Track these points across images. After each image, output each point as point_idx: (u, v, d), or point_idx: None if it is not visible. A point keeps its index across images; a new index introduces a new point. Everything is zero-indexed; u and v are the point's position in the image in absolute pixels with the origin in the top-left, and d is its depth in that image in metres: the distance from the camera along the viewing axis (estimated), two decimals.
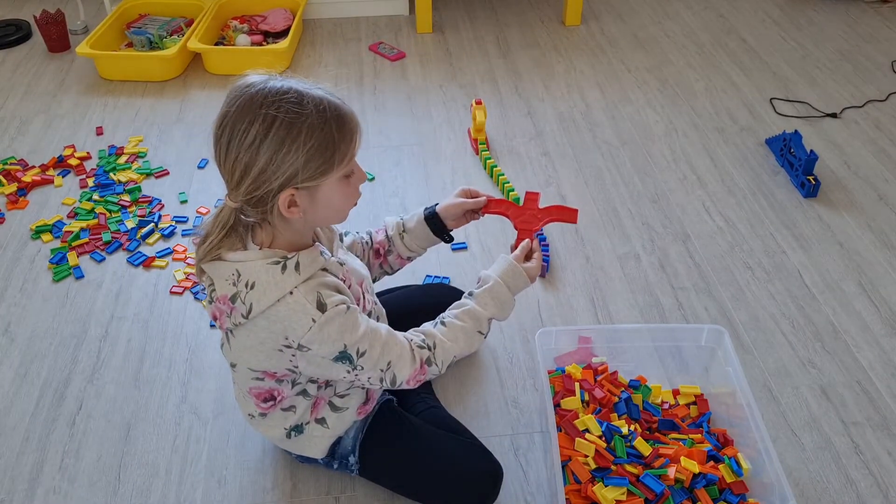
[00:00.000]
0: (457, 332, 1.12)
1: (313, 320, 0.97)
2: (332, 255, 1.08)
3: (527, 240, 1.21)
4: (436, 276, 1.68)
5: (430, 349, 1.10)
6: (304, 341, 0.98)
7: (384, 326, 1.08)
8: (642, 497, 1.16)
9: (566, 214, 1.28)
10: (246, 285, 0.96)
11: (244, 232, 1.00)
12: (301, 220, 0.98)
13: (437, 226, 1.26)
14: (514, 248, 1.24)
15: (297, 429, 1.18)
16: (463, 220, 1.28)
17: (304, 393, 1.13)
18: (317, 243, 1.05)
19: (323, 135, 0.92)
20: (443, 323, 1.14)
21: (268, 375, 1.07)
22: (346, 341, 1.00)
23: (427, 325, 1.15)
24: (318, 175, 0.94)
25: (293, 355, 1.01)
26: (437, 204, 1.27)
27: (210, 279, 1.02)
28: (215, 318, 1.03)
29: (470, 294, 1.16)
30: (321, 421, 1.17)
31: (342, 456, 1.22)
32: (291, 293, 0.97)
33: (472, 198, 1.26)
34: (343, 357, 1.01)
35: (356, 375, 1.04)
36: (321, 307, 0.97)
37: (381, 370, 1.05)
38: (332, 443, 1.20)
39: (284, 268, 0.97)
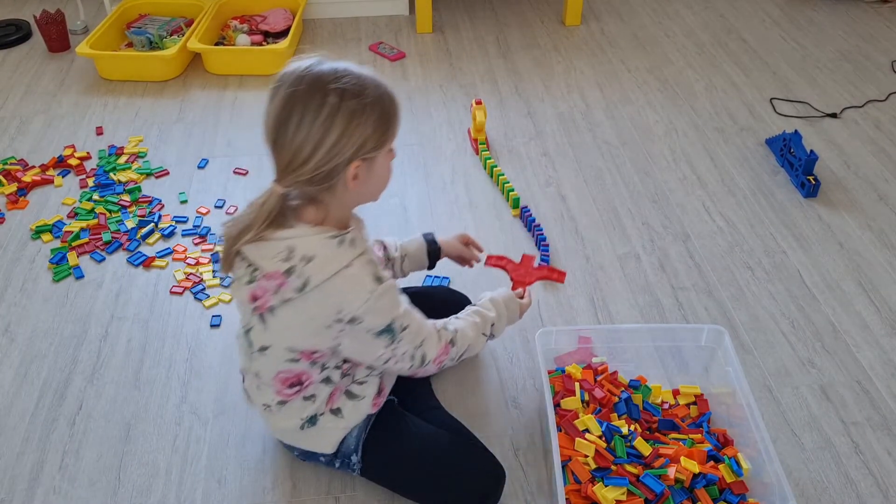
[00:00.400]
0: (469, 327, 1.21)
1: (370, 292, 1.01)
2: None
3: (521, 289, 1.37)
4: (436, 277, 1.68)
5: (451, 332, 1.17)
6: (358, 313, 1.00)
7: (421, 318, 1.14)
8: (642, 497, 1.16)
9: (556, 274, 1.47)
10: (303, 259, 0.99)
11: (290, 216, 1.03)
12: (355, 194, 1.03)
13: (434, 256, 1.40)
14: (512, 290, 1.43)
15: (312, 420, 1.17)
16: (455, 260, 1.42)
17: (326, 380, 1.13)
18: (354, 226, 1.09)
19: (381, 107, 0.99)
20: (455, 318, 1.22)
21: (304, 356, 1.07)
22: (393, 315, 1.05)
23: (441, 320, 1.21)
24: (380, 145, 1.00)
25: (341, 331, 1.02)
26: (432, 234, 1.39)
27: (249, 262, 1.03)
28: (255, 298, 1.03)
29: (480, 300, 1.28)
30: (336, 412, 1.17)
31: (344, 455, 1.22)
32: (348, 266, 1.00)
33: (472, 247, 1.44)
34: (388, 331, 1.05)
35: (392, 351, 1.07)
36: (378, 280, 1.02)
37: (415, 347, 1.10)
38: (342, 437, 1.20)
39: (342, 242, 1.01)
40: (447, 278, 1.68)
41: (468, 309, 1.25)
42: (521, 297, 1.34)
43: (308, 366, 1.10)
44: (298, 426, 1.17)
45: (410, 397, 1.34)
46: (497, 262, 1.49)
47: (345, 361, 1.13)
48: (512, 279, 1.47)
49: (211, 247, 1.78)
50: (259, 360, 1.11)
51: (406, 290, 1.49)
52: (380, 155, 1.02)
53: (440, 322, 1.18)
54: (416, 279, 1.67)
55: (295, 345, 1.06)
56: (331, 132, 0.95)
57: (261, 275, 1.02)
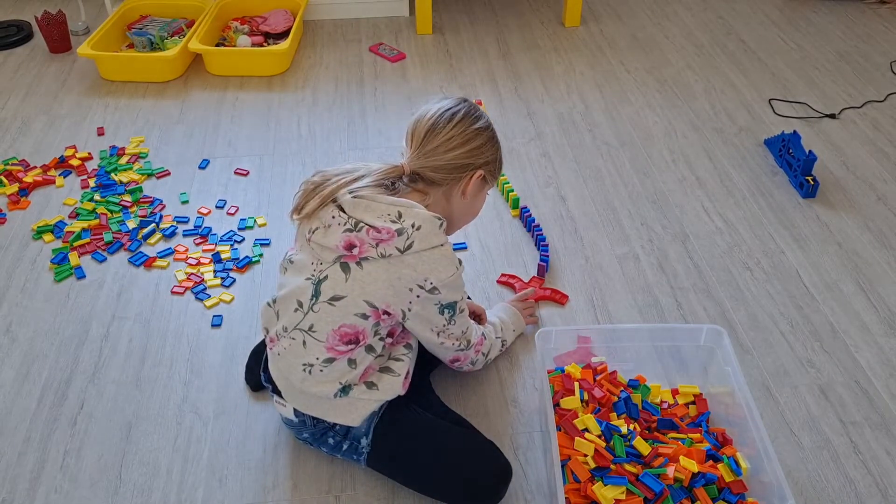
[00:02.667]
0: (487, 332, 1.40)
1: (456, 268, 1.16)
2: None
3: (527, 290, 1.61)
4: None
5: (480, 328, 1.36)
6: (441, 284, 1.14)
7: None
8: (641, 496, 1.16)
9: (558, 296, 1.64)
10: (412, 226, 1.12)
11: (395, 192, 1.19)
12: (453, 207, 1.24)
13: None
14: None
15: (345, 390, 1.18)
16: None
17: (370, 349, 1.18)
18: None
19: (501, 153, 1.27)
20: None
21: (375, 314, 1.14)
22: (461, 295, 1.20)
23: None
24: (495, 174, 1.26)
25: (418, 296, 1.14)
26: None
27: (348, 214, 1.12)
28: (351, 247, 1.12)
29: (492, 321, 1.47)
30: (370, 385, 1.20)
31: (354, 437, 1.23)
32: (444, 245, 1.15)
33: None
34: (451, 307, 1.19)
35: (446, 328, 1.21)
36: (460, 262, 1.18)
37: (463, 331, 1.25)
38: (371, 410, 1.21)
39: (442, 225, 1.15)
40: None
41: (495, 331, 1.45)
42: (527, 308, 1.56)
43: (372, 325, 1.15)
44: (332, 393, 1.18)
45: (411, 397, 1.34)
46: (508, 280, 1.68)
47: (388, 335, 1.20)
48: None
49: (212, 247, 1.78)
50: (323, 311, 1.14)
51: None
52: (489, 184, 1.27)
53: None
54: None
55: (374, 300, 1.13)
56: (478, 138, 1.19)
57: (368, 228, 1.11)
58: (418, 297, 1.14)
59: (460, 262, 1.18)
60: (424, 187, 1.20)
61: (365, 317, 1.14)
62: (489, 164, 1.22)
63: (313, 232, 1.15)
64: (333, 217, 1.13)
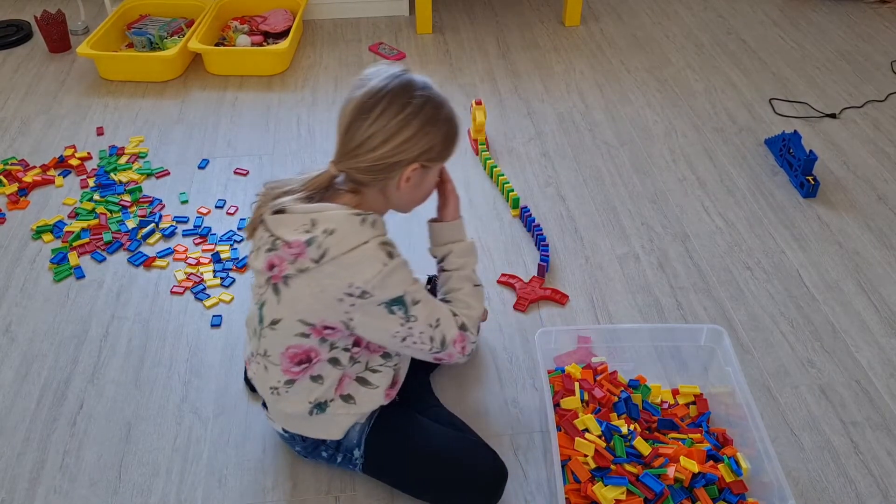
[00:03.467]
0: (466, 299, 1.20)
1: (384, 265, 1.04)
2: None
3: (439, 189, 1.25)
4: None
5: (458, 317, 1.17)
6: (369, 287, 1.03)
7: (435, 300, 1.15)
8: (642, 496, 1.16)
9: (558, 296, 1.62)
10: (324, 231, 1.03)
11: (326, 198, 1.09)
12: (397, 197, 1.11)
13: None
14: (516, 306, 1.61)
15: (321, 406, 1.17)
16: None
17: (334, 361, 1.13)
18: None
19: (451, 125, 1.09)
20: (447, 301, 1.20)
21: (315, 331, 1.08)
22: (405, 288, 1.07)
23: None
24: (439, 158, 1.09)
25: (352, 305, 1.04)
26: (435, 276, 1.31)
27: (270, 232, 1.07)
28: (272, 266, 1.07)
29: (442, 270, 1.24)
30: (347, 398, 1.17)
31: (347, 449, 1.22)
32: (367, 242, 1.04)
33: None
34: (399, 302, 1.06)
35: (409, 329, 1.08)
36: (390, 255, 1.06)
37: (431, 326, 1.10)
38: (352, 423, 1.19)
39: (363, 221, 1.05)
40: None
41: (446, 282, 1.22)
42: (444, 200, 1.24)
43: (318, 342, 1.10)
44: (307, 411, 1.17)
45: (411, 396, 1.34)
46: (508, 280, 1.67)
47: (355, 345, 1.13)
48: (518, 295, 1.63)
49: (211, 247, 1.78)
50: (269, 335, 1.11)
51: None
52: (434, 168, 1.11)
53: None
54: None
55: (306, 317, 1.07)
56: (406, 129, 1.03)
57: (282, 244, 1.05)
58: (353, 305, 1.05)
59: (392, 254, 1.06)
60: (355, 187, 1.10)
61: (305, 335, 1.09)
62: (427, 153, 1.06)
63: (249, 255, 1.13)
64: (261, 237, 1.09)
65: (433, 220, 1.24)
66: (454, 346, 1.14)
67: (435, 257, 1.24)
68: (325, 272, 1.03)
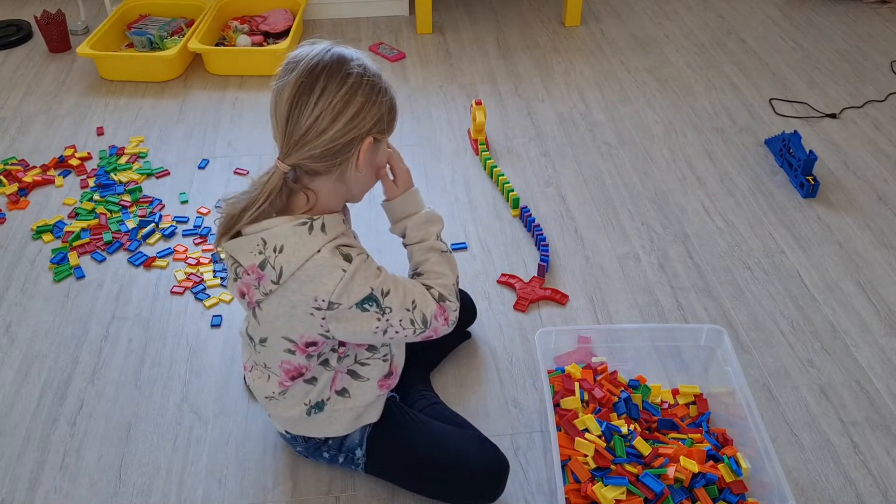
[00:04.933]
0: (435, 268, 1.14)
1: (343, 270, 1.00)
2: (348, 225, 1.12)
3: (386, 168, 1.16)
4: None
5: (435, 290, 1.12)
6: (334, 297, 0.99)
7: (404, 281, 1.10)
8: (642, 496, 1.16)
9: (558, 296, 1.62)
10: (274, 250, 0.99)
11: (283, 201, 1.03)
12: (353, 181, 1.04)
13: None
14: (516, 306, 1.60)
15: (319, 406, 1.16)
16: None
17: (325, 363, 1.12)
18: (339, 213, 1.08)
19: (391, 93, 1.02)
20: (418, 274, 1.15)
21: (299, 349, 1.06)
22: (371, 285, 1.03)
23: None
24: (388, 129, 1.03)
25: (323, 318, 1.01)
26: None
27: (231, 258, 1.04)
28: (243, 295, 1.04)
29: (406, 246, 1.18)
30: (342, 392, 1.16)
31: (349, 450, 1.22)
32: (319, 251, 1.00)
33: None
34: (370, 300, 1.02)
35: (387, 321, 1.04)
36: (347, 258, 1.01)
37: (408, 310, 1.06)
38: (355, 416, 1.18)
39: (311, 228, 1.00)
40: None
41: (412, 257, 1.17)
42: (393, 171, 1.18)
43: (304, 358, 1.09)
44: (305, 412, 1.16)
45: (411, 395, 1.34)
46: (508, 280, 1.67)
47: (341, 345, 1.11)
48: (518, 295, 1.63)
49: (211, 247, 1.78)
50: (262, 352, 1.11)
51: None
52: (384, 140, 1.04)
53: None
54: None
55: (287, 334, 1.05)
56: (353, 102, 0.97)
57: (242, 270, 1.02)
58: (324, 318, 1.01)
59: (349, 256, 1.01)
60: (310, 181, 1.03)
61: (291, 352, 1.08)
62: (378, 124, 1.00)
63: (227, 283, 1.11)
64: (227, 264, 1.08)
65: (386, 201, 1.17)
66: (436, 320, 1.10)
67: (397, 236, 1.19)
68: (289, 290, 1.00)
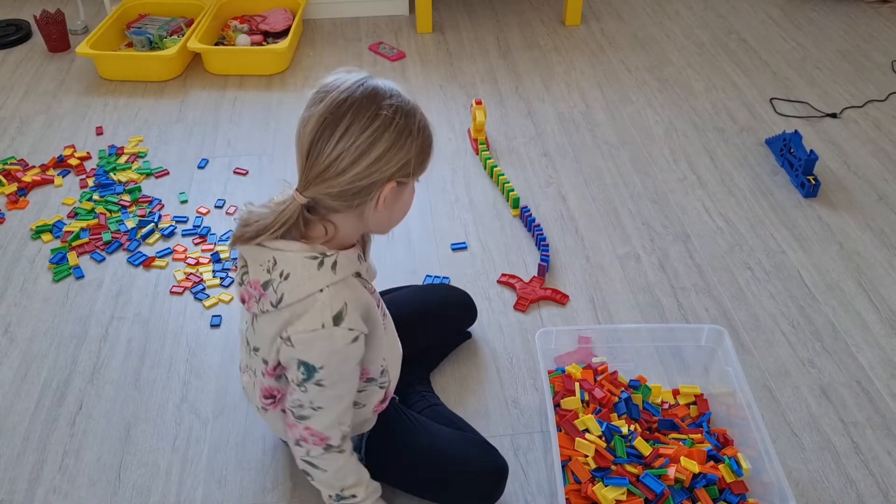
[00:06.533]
0: (344, 472, 1.09)
1: (322, 325, 0.96)
2: (367, 259, 1.09)
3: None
4: (436, 276, 1.68)
5: (341, 446, 1.07)
6: (296, 338, 0.96)
7: (349, 401, 1.05)
8: (642, 497, 1.16)
9: (558, 296, 1.62)
10: (280, 275, 0.97)
11: (301, 228, 0.99)
12: (374, 220, 1.00)
13: None
14: (516, 306, 1.59)
15: None
16: None
17: None
18: (355, 245, 1.04)
19: (426, 134, 0.97)
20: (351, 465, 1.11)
21: (269, 372, 1.06)
22: (324, 363, 0.98)
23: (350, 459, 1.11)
24: (416, 172, 0.98)
25: (279, 349, 1.00)
26: None
27: (244, 260, 1.02)
28: (244, 301, 1.03)
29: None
30: None
31: None
32: (322, 290, 0.97)
33: None
34: (307, 368, 0.98)
35: (293, 385, 1.01)
36: (337, 320, 0.96)
37: (310, 403, 1.01)
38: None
39: (321, 264, 0.97)
40: (447, 278, 1.68)
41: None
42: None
43: (274, 381, 1.07)
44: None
45: (410, 396, 1.34)
46: (508, 280, 1.66)
47: None
48: (518, 295, 1.63)
49: (211, 247, 1.78)
50: (255, 358, 1.10)
51: (405, 289, 1.50)
52: (411, 183, 1.00)
53: (347, 442, 1.09)
54: (417, 279, 1.68)
55: (268, 358, 1.04)
56: (377, 145, 0.91)
57: (248, 279, 1.01)
58: (279, 349, 1.00)
59: (339, 318, 0.96)
60: (328, 213, 0.98)
61: (264, 373, 1.07)
62: (403, 169, 0.95)
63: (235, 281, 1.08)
64: (239, 264, 1.05)
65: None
66: (306, 430, 1.04)
67: None
68: (283, 317, 0.98)
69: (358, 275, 1.03)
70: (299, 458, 1.09)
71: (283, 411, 1.10)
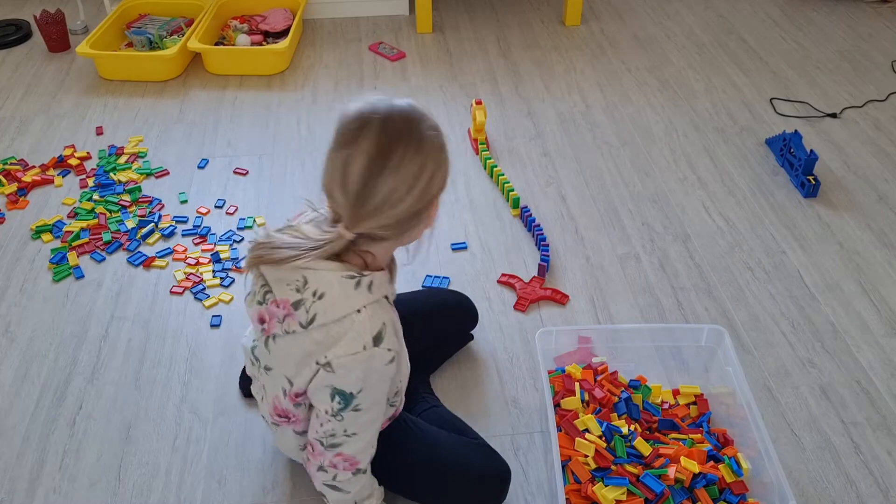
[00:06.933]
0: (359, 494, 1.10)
1: (364, 347, 0.95)
2: (394, 282, 1.08)
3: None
4: (436, 277, 1.68)
5: (363, 470, 1.08)
6: (336, 363, 0.95)
7: (379, 423, 1.06)
8: (642, 497, 1.16)
9: (558, 296, 1.62)
10: (314, 294, 0.94)
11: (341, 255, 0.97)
12: (418, 234, 1.01)
13: None
14: (516, 306, 1.59)
15: None
16: None
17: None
18: (384, 270, 1.03)
19: (447, 149, 0.97)
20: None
21: (289, 395, 1.03)
22: (362, 386, 0.97)
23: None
24: (446, 184, 0.99)
25: (315, 373, 0.98)
26: None
27: (264, 279, 0.99)
28: (262, 321, 1.00)
29: None
30: None
31: None
32: (359, 311, 0.95)
33: None
34: (343, 397, 0.97)
35: (327, 417, 0.99)
36: (377, 341, 0.96)
37: (344, 430, 1.01)
38: None
39: (358, 284, 0.95)
40: (447, 278, 1.68)
41: None
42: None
43: (293, 406, 1.05)
44: (299, 447, 1.15)
45: (412, 396, 1.34)
46: (508, 280, 1.66)
47: None
48: (518, 295, 1.63)
49: (211, 247, 1.78)
50: (263, 377, 1.09)
51: (407, 294, 1.49)
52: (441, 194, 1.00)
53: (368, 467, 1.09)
54: (417, 279, 1.67)
55: (289, 374, 1.02)
56: (427, 168, 0.92)
57: (272, 299, 0.98)
58: (315, 374, 0.97)
59: (379, 338, 0.95)
60: (369, 245, 0.97)
61: (284, 393, 1.04)
62: (444, 183, 0.97)
63: (246, 298, 1.06)
64: (255, 284, 1.02)
65: None
66: (337, 457, 1.03)
67: None
68: (312, 338, 0.96)
69: (386, 297, 1.02)
70: (320, 483, 1.08)
71: (307, 443, 1.07)
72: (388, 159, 0.89)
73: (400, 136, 0.90)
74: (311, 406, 1.06)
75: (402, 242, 1.01)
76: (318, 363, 0.97)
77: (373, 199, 0.90)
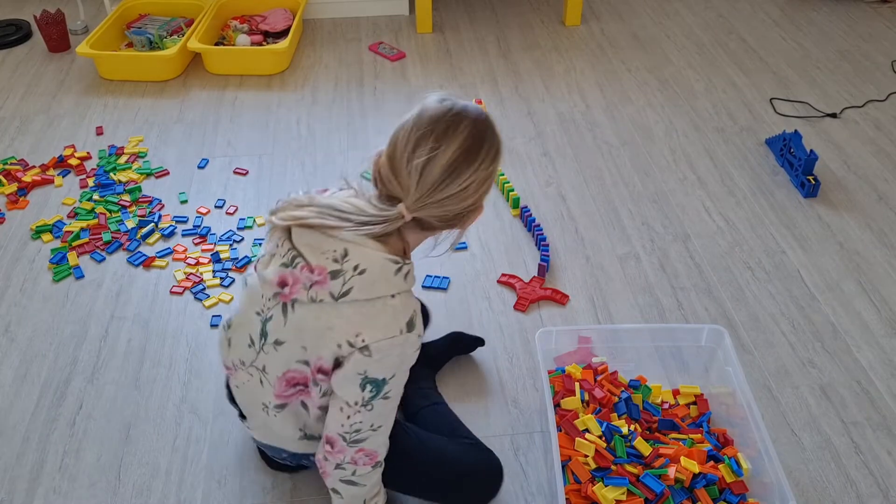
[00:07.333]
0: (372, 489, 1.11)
1: (400, 332, 0.96)
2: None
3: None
4: (436, 276, 1.68)
5: (381, 463, 1.08)
6: (375, 346, 0.95)
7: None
8: (642, 497, 1.16)
9: (558, 296, 1.62)
10: (354, 269, 0.94)
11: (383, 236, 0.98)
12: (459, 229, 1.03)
13: None
14: (516, 306, 1.59)
15: (309, 437, 1.13)
16: None
17: (324, 408, 1.06)
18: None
19: None
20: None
21: (310, 371, 1.01)
22: (395, 372, 0.99)
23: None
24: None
25: (349, 353, 0.97)
26: None
27: (291, 244, 0.97)
28: (283, 285, 0.98)
29: None
30: None
31: None
32: (394, 297, 0.97)
33: None
34: (375, 385, 0.98)
35: (356, 410, 0.99)
36: (410, 326, 0.98)
37: (372, 426, 1.02)
38: None
39: (399, 270, 0.97)
40: (447, 278, 1.68)
41: None
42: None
43: (311, 382, 1.04)
44: (296, 437, 1.13)
45: (414, 394, 1.34)
46: (508, 280, 1.66)
47: None
48: (518, 295, 1.63)
49: (211, 247, 1.78)
50: (271, 353, 1.04)
51: None
52: None
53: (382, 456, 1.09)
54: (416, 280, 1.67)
55: (308, 347, 1.00)
56: (493, 171, 0.98)
57: (302, 264, 0.96)
58: (349, 354, 0.97)
59: (412, 325, 0.97)
60: (414, 231, 1.00)
61: (306, 363, 1.02)
62: (490, 189, 1.02)
63: (259, 260, 1.04)
64: (278, 245, 1.00)
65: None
66: (359, 452, 1.04)
67: None
68: (340, 312, 0.95)
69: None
70: (336, 479, 1.07)
71: (324, 439, 1.05)
72: (475, 157, 0.94)
73: (486, 137, 0.96)
74: (323, 394, 1.04)
75: (437, 234, 1.03)
76: (351, 344, 0.96)
77: (446, 190, 0.94)
